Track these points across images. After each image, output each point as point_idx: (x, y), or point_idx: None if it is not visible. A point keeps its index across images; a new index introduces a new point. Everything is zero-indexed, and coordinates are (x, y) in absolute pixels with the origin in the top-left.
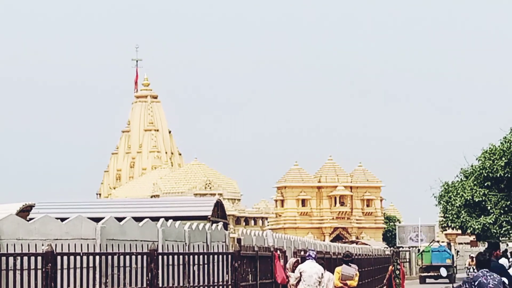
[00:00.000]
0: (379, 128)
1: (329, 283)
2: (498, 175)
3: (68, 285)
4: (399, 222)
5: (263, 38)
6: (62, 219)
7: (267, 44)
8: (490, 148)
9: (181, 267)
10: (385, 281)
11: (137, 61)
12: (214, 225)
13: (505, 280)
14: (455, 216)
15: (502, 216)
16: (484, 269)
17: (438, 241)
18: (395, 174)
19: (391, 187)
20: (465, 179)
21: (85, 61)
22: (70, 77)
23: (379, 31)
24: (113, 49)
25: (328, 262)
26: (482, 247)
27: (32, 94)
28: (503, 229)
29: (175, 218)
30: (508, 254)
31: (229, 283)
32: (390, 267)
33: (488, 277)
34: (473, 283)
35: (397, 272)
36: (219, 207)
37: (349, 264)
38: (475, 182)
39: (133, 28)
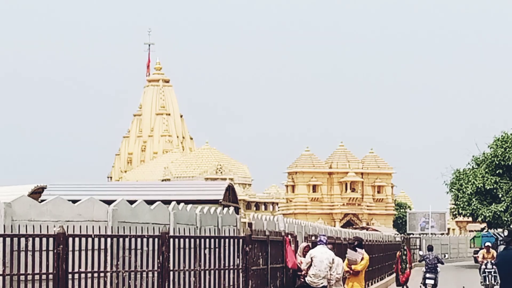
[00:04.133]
0: (390, 114)
1: (338, 267)
2: (510, 163)
3: (80, 266)
4: (410, 209)
5: (275, 24)
6: (74, 201)
7: (279, 30)
8: (502, 136)
9: (192, 250)
10: (394, 265)
11: (149, 45)
12: (226, 209)
13: None
14: (466, 203)
15: None
16: None
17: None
18: (407, 161)
19: (402, 174)
20: (476, 166)
21: (98, 45)
22: (83, 61)
23: (391, 16)
24: (125, 33)
25: (339, 247)
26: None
27: (43, 79)
28: None
29: (187, 202)
30: None
31: (240, 267)
32: (398, 252)
33: None
34: None
35: (404, 257)
36: (230, 192)
37: (356, 249)
38: (486, 170)
39: (145, 12)
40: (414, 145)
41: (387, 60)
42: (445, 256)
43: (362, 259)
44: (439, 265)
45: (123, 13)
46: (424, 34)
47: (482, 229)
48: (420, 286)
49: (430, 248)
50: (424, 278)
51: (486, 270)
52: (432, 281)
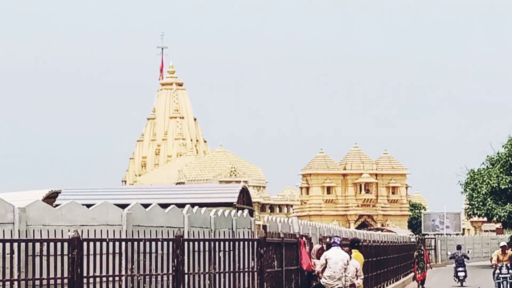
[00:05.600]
0: (404, 115)
1: (351, 269)
2: None
3: (94, 271)
4: (425, 210)
5: (287, 25)
6: (88, 206)
7: (291, 32)
8: None
9: (206, 253)
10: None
11: (162, 48)
12: (240, 211)
13: None
14: (481, 203)
15: None
16: None
17: None
18: (421, 161)
19: (417, 174)
20: (491, 166)
21: (111, 49)
22: (96, 65)
23: (398, 16)
24: (138, 37)
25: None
26: (508, 235)
27: (57, 82)
28: None
29: (201, 205)
30: None
31: (255, 269)
32: (415, 252)
33: None
34: None
35: (422, 257)
36: (244, 194)
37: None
38: (501, 170)
39: (158, 16)
40: (428, 146)
41: (400, 60)
42: (468, 252)
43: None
44: (465, 259)
45: (136, 17)
46: (437, 33)
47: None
48: (454, 279)
49: (458, 247)
50: (456, 272)
51: (500, 275)
52: (463, 273)
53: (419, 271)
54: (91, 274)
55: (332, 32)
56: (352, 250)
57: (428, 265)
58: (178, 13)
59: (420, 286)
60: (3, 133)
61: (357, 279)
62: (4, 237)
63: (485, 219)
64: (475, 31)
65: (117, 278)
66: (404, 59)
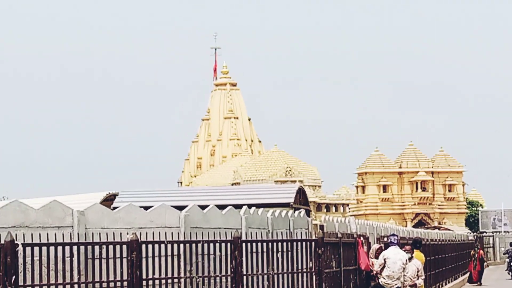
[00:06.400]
0: (459, 112)
1: (411, 269)
2: None
3: (153, 273)
4: (482, 207)
5: (341, 26)
6: (145, 208)
7: (346, 32)
8: None
9: (264, 254)
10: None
11: (215, 49)
12: (297, 212)
13: None
14: None
15: None
16: None
17: None
18: (478, 158)
19: (473, 171)
20: None
21: (164, 50)
22: (151, 67)
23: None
24: (192, 37)
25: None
26: None
27: (114, 84)
28: None
29: (258, 206)
30: None
31: (313, 270)
32: (472, 251)
33: None
34: None
35: (477, 255)
36: (301, 194)
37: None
38: None
39: (211, 16)
40: (485, 142)
41: (457, 60)
42: None
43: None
44: None
45: (189, 18)
46: (495, 36)
47: None
48: (508, 272)
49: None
50: (509, 266)
51: None
52: None
53: (475, 270)
54: (150, 276)
55: (393, 32)
56: (413, 250)
57: (485, 263)
58: (231, 13)
59: (477, 284)
60: (60, 137)
61: (418, 279)
62: (63, 240)
63: None
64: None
65: (176, 280)
66: (459, 59)
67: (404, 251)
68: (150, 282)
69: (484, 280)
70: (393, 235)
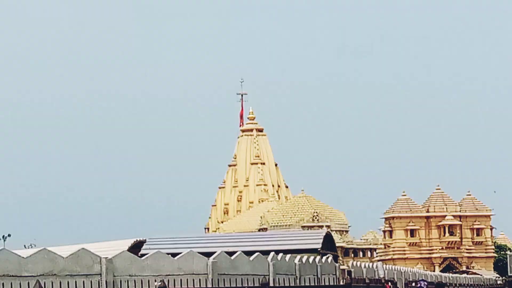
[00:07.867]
0: (487, 155)
1: None
2: None
3: None
4: (510, 251)
5: (368, 73)
6: (173, 255)
7: (370, 72)
8: None
9: None
10: None
11: (242, 95)
12: (324, 257)
13: None
14: None
15: None
16: None
17: None
18: (506, 201)
19: (502, 215)
20: None
21: (191, 96)
22: (178, 113)
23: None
24: (218, 83)
25: None
26: None
27: (141, 131)
28: None
29: (285, 252)
30: None
31: None
32: None
33: None
34: None
35: None
36: (328, 239)
37: None
38: None
39: (237, 62)
40: None
41: (485, 99)
42: None
43: None
44: None
45: (215, 64)
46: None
47: None
48: None
49: None
50: None
51: None
52: None
53: None
54: None
55: (416, 72)
56: None
57: None
58: (257, 59)
59: None
60: (89, 184)
61: None
62: None
63: None
64: None
65: None
66: (487, 97)
67: None
68: None
69: None
70: (423, 280)
